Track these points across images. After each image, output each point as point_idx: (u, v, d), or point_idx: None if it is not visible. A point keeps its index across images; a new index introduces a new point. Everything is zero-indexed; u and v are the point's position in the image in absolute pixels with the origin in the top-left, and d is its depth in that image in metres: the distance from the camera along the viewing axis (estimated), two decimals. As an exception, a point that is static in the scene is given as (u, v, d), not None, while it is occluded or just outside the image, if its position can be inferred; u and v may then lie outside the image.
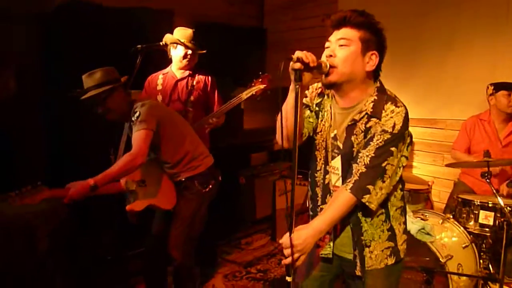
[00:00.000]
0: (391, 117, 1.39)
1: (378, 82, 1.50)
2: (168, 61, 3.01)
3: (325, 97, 1.58)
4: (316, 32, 4.21)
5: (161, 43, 2.81)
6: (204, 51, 2.89)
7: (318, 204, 1.61)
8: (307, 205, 1.70)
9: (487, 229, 2.48)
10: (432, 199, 3.39)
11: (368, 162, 1.40)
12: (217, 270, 3.18)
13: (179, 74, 2.94)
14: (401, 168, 1.45)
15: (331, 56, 1.42)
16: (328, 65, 1.40)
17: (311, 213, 1.68)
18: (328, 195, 1.56)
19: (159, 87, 2.93)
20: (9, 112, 2.85)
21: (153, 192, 2.35)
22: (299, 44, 4.37)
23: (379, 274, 1.54)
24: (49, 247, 2.59)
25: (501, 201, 2.27)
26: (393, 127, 1.38)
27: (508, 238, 2.28)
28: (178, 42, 2.80)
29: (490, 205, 2.47)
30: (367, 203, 1.41)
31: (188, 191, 2.39)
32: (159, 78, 2.96)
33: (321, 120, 1.57)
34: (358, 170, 1.42)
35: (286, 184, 1.56)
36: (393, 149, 1.39)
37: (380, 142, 1.39)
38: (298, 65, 1.30)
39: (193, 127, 2.72)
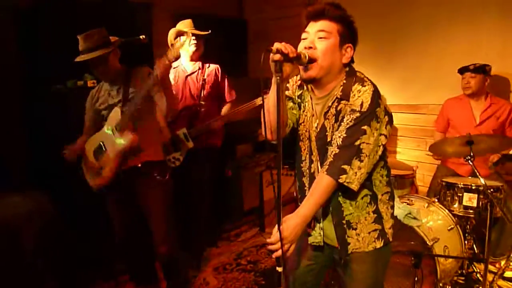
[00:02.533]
0: (359, 97, 1.41)
1: (347, 67, 1.52)
2: (150, 55, 2.98)
3: (304, 88, 1.61)
4: (300, 20, 4.10)
5: (140, 39, 2.67)
6: (207, 32, 2.93)
7: (306, 194, 1.60)
8: (295, 195, 1.71)
9: (471, 211, 2.52)
10: (416, 184, 3.45)
11: (341, 143, 1.42)
12: (207, 264, 3.18)
13: (189, 67, 3.01)
14: (381, 147, 1.45)
15: (310, 48, 1.43)
16: (307, 56, 1.41)
17: (299, 203, 1.67)
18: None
19: (172, 82, 2.90)
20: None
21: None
22: (283, 33, 4.31)
23: (366, 259, 1.55)
24: (36, 248, 2.51)
25: (484, 182, 2.31)
26: (361, 105, 1.40)
27: (491, 219, 2.33)
28: (180, 32, 2.85)
29: (473, 187, 2.51)
30: (345, 183, 1.41)
31: (150, 180, 2.40)
32: (170, 73, 2.88)
33: (303, 111, 1.60)
34: (332, 152, 1.44)
35: (272, 176, 1.53)
36: (365, 127, 1.39)
37: (350, 121, 1.41)
38: (278, 56, 1.33)
39: (207, 122, 2.91)
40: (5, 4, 2.92)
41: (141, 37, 2.69)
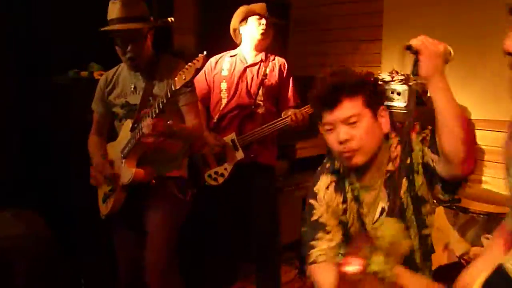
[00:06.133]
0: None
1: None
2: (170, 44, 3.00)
3: (343, 187, 1.60)
4: (353, 7, 3.89)
5: (169, 21, 2.49)
6: (282, 22, 2.91)
7: None
8: None
9: None
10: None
11: None
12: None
13: (250, 58, 2.87)
14: None
15: (346, 140, 1.41)
16: (451, 52, 1.32)
17: None
18: None
19: (225, 73, 2.86)
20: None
21: None
22: (332, 21, 4.12)
23: None
24: (29, 278, 2.35)
25: None
26: None
27: None
28: (250, 13, 2.76)
29: None
30: None
31: (161, 200, 2.25)
32: (225, 61, 2.88)
33: (350, 213, 1.60)
34: None
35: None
36: None
37: None
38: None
39: (264, 128, 2.74)
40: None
41: (169, 19, 2.49)
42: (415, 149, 1.45)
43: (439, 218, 2.80)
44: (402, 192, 1.46)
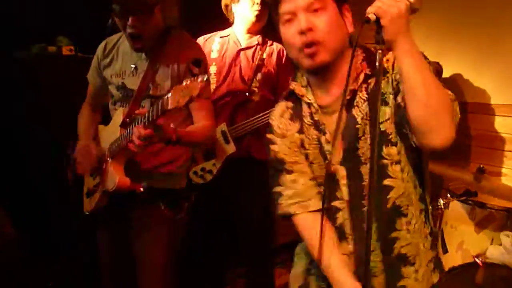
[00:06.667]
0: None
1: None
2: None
3: (300, 113, 1.51)
4: None
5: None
6: None
7: (348, 230, 1.45)
8: None
9: None
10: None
11: None
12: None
13: (244, 40, 2.74)
14: None
15: (310, 30, 1.31)
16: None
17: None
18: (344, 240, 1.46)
19: (214, 55, 2.74)
20: None
21: None
22: None
23: None
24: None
25: None
26: None
27: None
28: None
29: None
30: None
31: (151, 216, 2.09)
32: (214, 42, 2.78)
33: (309, 145, 1.48)
34: None
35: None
36: None
37: None
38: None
39: (259, 118, 2.59)
40: None
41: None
42: (388, 78, 1.35)
43: (453, 214, 2.62)
44: (359, 118, 1.37)
